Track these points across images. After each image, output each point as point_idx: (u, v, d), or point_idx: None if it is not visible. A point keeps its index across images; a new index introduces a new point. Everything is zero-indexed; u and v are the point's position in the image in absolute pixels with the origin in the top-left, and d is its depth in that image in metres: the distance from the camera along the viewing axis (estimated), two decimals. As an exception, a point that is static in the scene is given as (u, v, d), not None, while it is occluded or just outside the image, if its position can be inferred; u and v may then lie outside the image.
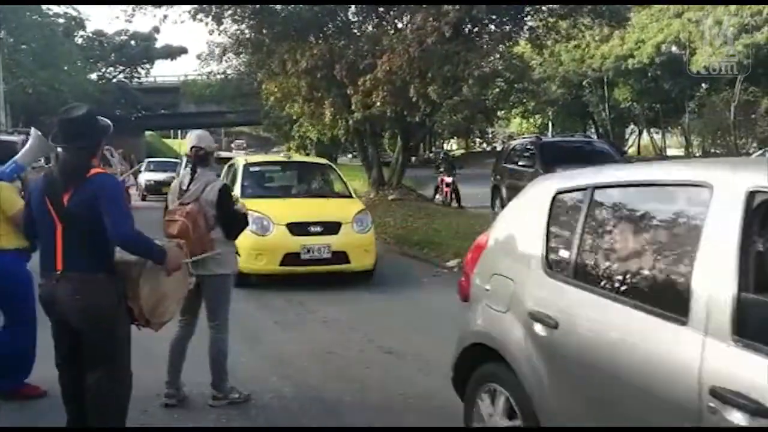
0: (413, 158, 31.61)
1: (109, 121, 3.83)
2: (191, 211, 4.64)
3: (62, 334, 3.69)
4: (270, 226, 8.73)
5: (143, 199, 25.26)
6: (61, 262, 3.50)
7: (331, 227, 8.88)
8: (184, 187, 4.80)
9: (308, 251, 8.65)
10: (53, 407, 4.21)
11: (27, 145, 4.91)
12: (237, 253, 5.29)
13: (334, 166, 11.58)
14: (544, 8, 17.86)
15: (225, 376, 4.86)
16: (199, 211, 4.65)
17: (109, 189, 3.57)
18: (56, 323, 3.70)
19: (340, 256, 8.76)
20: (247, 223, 5.20)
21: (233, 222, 4.88)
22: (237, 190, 8.87)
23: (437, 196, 20.33)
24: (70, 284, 3.50)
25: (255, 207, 8.32)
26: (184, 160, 12.24)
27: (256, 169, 10.62)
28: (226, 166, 10.81)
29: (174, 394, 4.84)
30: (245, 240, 7.78)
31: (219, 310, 4.85)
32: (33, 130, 4.93)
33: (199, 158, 4.86)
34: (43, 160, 9.19)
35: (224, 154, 16.36)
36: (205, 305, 4.88)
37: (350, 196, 10.23)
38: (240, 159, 10.94)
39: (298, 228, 8.76)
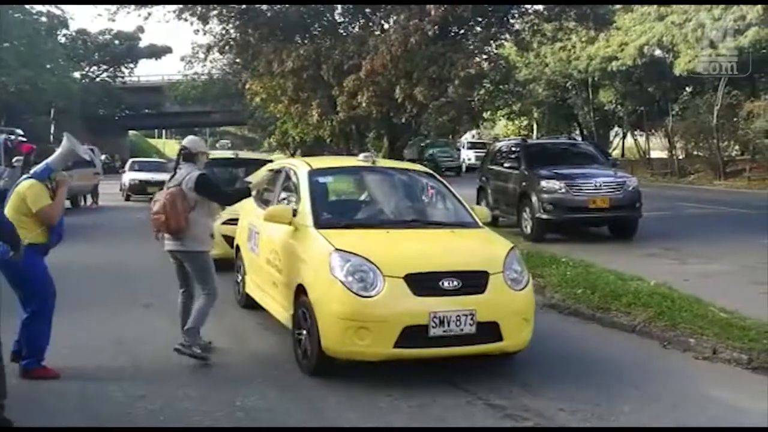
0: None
1: None
2: (172, 192, 5.81)
3: None
4: (377, 280, 5.22)
5: (127, 199, 24.71)
6: None
7: (474, 281, 5.40)
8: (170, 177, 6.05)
9: (440, 322, 5.16)
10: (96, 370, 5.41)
11: (60, 149, 5.49)
12: (212, 235, 6.33)
13: (437, 176, 7.64)
14: (530, 10, 17.95)
15: (196, 331, 5.83)
16: (178, 194, 5.80)
17: None
18: None
19: (490, 330, 5.35)
20: (245, 194, 6.46)
21: (219, 197, 6.21)
22: (306, 216, 6.07)
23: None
24: None
25: (344, 244, 5.51)
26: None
27: (328, 179, 7.13)
28: (264, 171, 8.17)
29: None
30: (332, 303, 5.27)
31: (205, 280, 5.95)
32: (66, 135, 5.54)
33: (183, 156, 6.06)
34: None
35: (249, 155, 14.33)
36: (194, 279, 6.01)
37: (476, 224, 6.54)
38: (298, 164, 7.11)
39: (423, 283, 5.25)
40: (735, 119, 29.88)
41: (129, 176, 25.37)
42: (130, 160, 28.94)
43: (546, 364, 5.84)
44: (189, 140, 6.23)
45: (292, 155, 38.60)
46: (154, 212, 5.82)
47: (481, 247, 6.13)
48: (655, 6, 30.07)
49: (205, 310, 5.92)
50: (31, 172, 5.38)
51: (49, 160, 5.43)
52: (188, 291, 6.10)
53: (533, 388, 5.24)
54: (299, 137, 32.84)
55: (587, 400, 5.00)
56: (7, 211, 5.13)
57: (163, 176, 22.83)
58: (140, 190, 24.05)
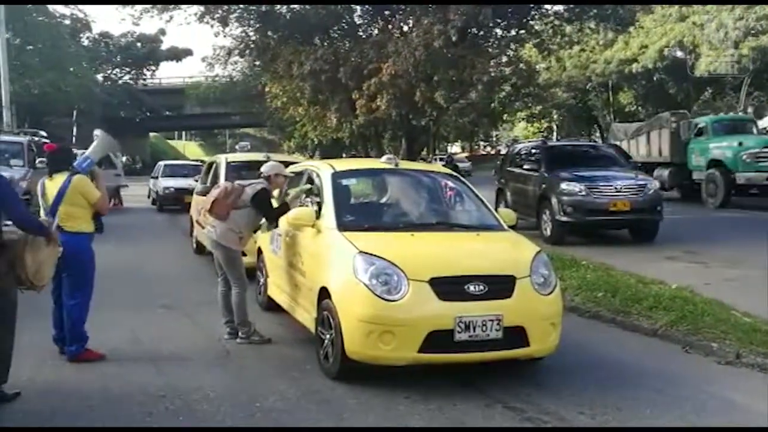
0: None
1: None
2: (235, 186, 6.61)
3: None
4: (401, 284, 5.14)
5: (160, 209, 21.64)
6: None
7: (501, 285, 5.30)
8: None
9: (466, 327, 5.08)
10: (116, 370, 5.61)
11: (96, 143, 5.86)
12: (239, 235, 6.57)
13: (462, 177, 7.60)
14: (550, 12, 17.87)
15: (243, 320, 6.46)
16: (236, 191, 6.54)
17: (4, 185, 4.73)
18: None
19: (516, 336, 5.24)
20: (285, 210, 6.59)
21: (267, 214, 6.67)
22: (330, 219, 6.05)
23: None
24: None
25: (368, 247, 5.43)
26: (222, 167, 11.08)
27: (352, 181, 7.09)
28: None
29: (233, 331, 6.53)
30: (356, 306, 5.20)
31: (230, 272, 6.57)
32: (98, 131, 5.93)
33: (261, 176, 6.84)
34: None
35: (283, 157, 11.85)
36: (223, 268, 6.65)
37: (501, 227, 6.45)
38: (321, 166, 7.12)
39: (448, 287, 5.17)
40: (759, 120, 29.53)
41: (162, 183, 21.86)
42: (162, 164, 24.92)
43: (566, 367, 5.80)
44: (265, 165, 7.01)
45: (311, 157, 38.72)
46: (212, 195, 6.72)
47: (507, 250, 5.99)
48: (677, 7, 29.84)
49: (240, 300, 6.47)
50: (75, 166, 5.71)
51: (89, 152, 5.81)
52: (225, 277, 6.67)
53: (553, 391, 5.21)
54: (318, 139, 32.94)
55: (608, 403, 4.96)
56: (63, 206, 5.55)
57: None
58: (175, 200, 20.40)
